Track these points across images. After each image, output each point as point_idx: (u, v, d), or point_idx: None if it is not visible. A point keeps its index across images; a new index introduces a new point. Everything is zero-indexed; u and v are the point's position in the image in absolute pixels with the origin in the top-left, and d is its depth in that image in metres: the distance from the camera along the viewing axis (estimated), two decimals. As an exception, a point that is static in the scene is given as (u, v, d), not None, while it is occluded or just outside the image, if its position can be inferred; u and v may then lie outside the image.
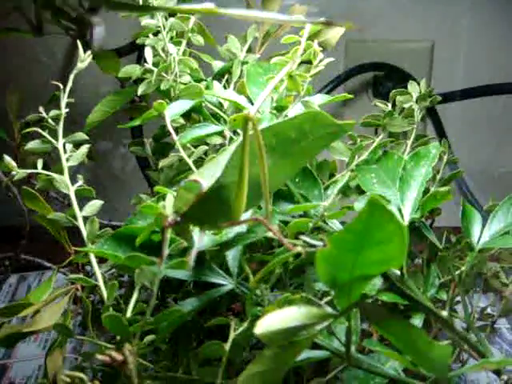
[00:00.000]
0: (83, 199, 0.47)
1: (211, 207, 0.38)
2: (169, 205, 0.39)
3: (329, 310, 0.33)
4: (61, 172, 0.46)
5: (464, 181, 0.91)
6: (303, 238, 0.36)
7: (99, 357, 0.33)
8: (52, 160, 0.49)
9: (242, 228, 0.41)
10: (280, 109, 0.47)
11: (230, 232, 0.42)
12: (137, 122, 0.50)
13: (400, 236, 0.30)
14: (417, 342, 0.33)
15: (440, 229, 0.53)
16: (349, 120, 0.84)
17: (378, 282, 0.41)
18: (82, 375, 0.33)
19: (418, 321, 0.45)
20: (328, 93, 0.82)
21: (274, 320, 0.31)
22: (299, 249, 0.35)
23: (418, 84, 0.55)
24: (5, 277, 0.68)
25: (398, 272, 0.43)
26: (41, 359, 0.58)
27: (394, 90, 0.54)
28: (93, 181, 0.92)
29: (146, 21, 0.49)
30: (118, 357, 0.33)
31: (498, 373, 0.35)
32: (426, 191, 0.48)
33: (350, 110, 0.90)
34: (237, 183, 0.36)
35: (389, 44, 0.88)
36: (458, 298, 0.49)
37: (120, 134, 0.79)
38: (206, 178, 0.37)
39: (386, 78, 0.87)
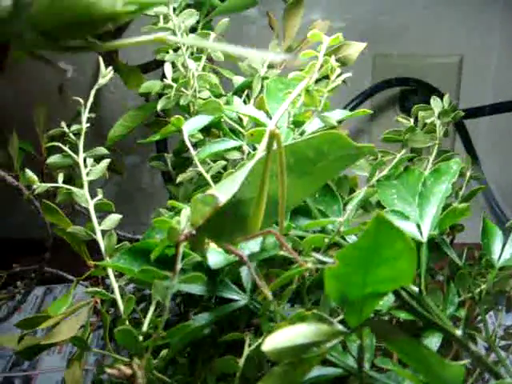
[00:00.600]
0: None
1: (227, 222, 0.38)
2: (183, 219, 0.39)
3: (339, 327, 0.33)
4: (81, 186, 0.47)
5: (494, 197, 0.89)
6: (314, 254, 0.36)
7: (108, 370, 0.33)
8: (77, 174, 0.50)
9: (256, 246, 0.41)
10: (297, 124, 0.46)
11: (244, 250, 0.42)
12: (156, 138, 0.50)
13: (409, 253, 0.29)
14: (429, 361, 0.32)
15: (466, 246, 0.52)
16: (375, 135, 0.84)
17: (389, 299, 0.40)
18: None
19: (436, 339, 0.44)
20: (354, 108, 0.82)
21: (283, 337, 0.31)
22: (309, 265, 0.34)
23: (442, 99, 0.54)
24: (30, 289, 0.69)
25: (417, 289, 0.43)
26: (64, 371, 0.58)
27: (416, 105, 0.54)
28: (120, 195, 0.93)
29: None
30: (127, 371, 0.33)
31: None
32: (448, 207, 0.47)
33: (377, 125, 0.89)
34: (255, 199, 0.36)
35: (416, 58, 0.87)
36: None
37: (147, 148, 0.79)
38: (224, 192, 0.37)
39: (414, 93, 0.86)
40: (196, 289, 0.42)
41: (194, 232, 0.37)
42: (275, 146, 0.35)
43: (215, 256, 0.41)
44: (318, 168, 0.39)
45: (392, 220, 0.28)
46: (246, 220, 0.38)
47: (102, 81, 0.48)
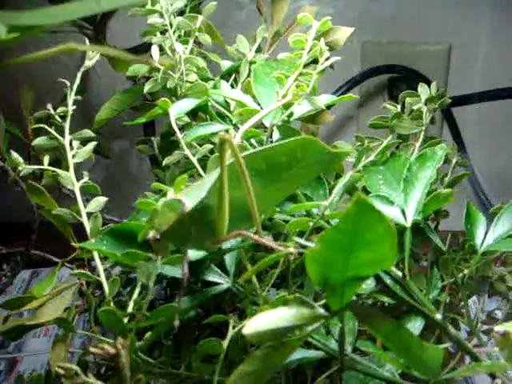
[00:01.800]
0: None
1: (194, 228, 0.37)
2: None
3: (320, 310, 0.33)
4: (67, 168, 0.46)
5: (480, 186, 0.90)
6: (296, 239, 0.36)
7: (92, 349, 0.33)
8: (63, 157, 0.50)
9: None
10: (286, 105, 0.46)
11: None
12: (143, 120, 0.50)
13: (390, 236, 0.29)
14: (409, 343, 0.33)
15: (456, 233, 0.53)
16: (363, 122, 0.84)
17: (371, 283, 0.40)
18: (74, 367, 0.33)
19: (418, 323, 0.44)
20: (342, 94, 0.82)
21: (263, 320, 0.31)
22: (291, 250, 0.34)
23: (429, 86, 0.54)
24: (16, 272, 0.69)
25: (400, 273, 0.43)
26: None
27: (403, 92, 0.54)
28: (108, 179, 0.93)
29: (152, 19, 0.49)
30: (111, 350, 0.33)
31: (492, 376, 0.35)
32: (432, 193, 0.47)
33: (365, 112, 0.89)
34: (218, 205, 0.35)
35: (405, 46, 0.87)
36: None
37: (135, 133, 0.79)
38: (191, 198, 0.36)
39: (402, 81, 0.86)
40: (180, 272, 0.42)
41: (158, 237, 0.36)
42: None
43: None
44: (291, 173, 0.37)
45: (373, 203, 0.28)
46: (214, 226, 0.37)
47: (88, 63, 0.48)
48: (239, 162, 0.33)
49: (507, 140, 0.92)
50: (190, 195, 0.36)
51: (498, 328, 0.31)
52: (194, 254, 0.41)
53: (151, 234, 0.36)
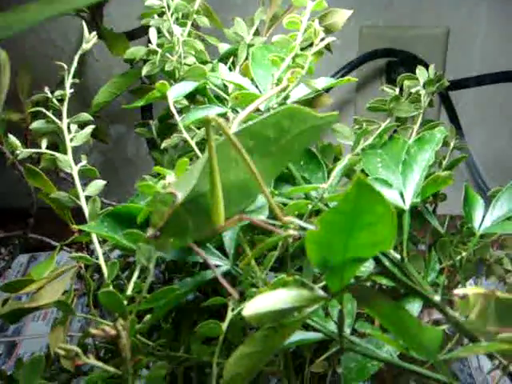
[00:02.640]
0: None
1: (190, 218, 0.37)
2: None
3: (320, 292, 0.33)
4: (65, 152, 0.46)
5: (477, 170, 0.90)
6: (295, 220, 0.36)
7: (93, 331, 0.34)
8: (61, 141, 0.50)
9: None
10: (282, 88, 0.46)
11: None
12: (141, 103, 0.49)
13: (389, 217, 0.29)
14: (407, 324, 0.33)
15: (453, 217, 0.53)
16: (361, 105, 0.83)
17: (370, 265, 0.41)
18: (75, 348, 0.33)
19: (417, 305, 0.44)
20: (339, 78, 0.82)
21: (263, 302, 0.31)
22: (291, 232, 0.34)
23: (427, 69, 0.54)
24: (14, 256, 0.69)
25: (399, 256, 0.43)
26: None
27: (401, 75, 0.54)
28: (106, 163, 0.93)
29: (150, 1, 0.48)
30: (111, 331, 0.33)
31: (490, 357, 0.35)
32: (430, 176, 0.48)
33: (363, 95, 0.89)
34: (210, 190, 0.35)
35: (403, 30, 0.86)
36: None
37: (133, 117, 0.79)
38: (182, 188, 0.36)
39: (400, 65, 0.86)
40: (177, 254, 0.42)
41: (157, 233, 0.36)
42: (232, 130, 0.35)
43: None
44: (280, 147, 0.37)
45: (372, 184, 0.28)
46: (210, 213, 0.37)
47: (85, 46, 0.48)
48: (232, 140, 0.33)
49: (505, 124, 0.92)
50: (181, 186, 0.36)
51: (458, 291, 0.31)
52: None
53: (150, 232, 0.36)
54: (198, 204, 0.36)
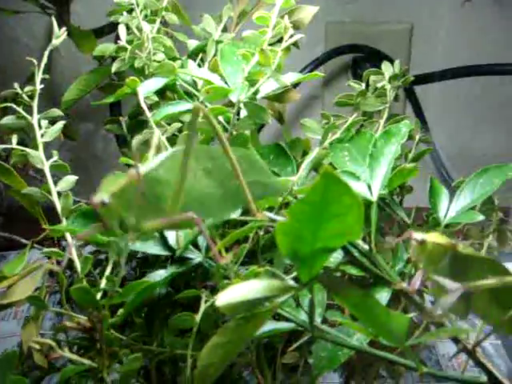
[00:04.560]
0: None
1: (143, 198, 0.35)
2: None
3: (290, 282, 0.34)
4: (36, 148, 0.46)
5: (442, 163, 0.91)
6: (266, 213, 0.37)
7: (68, 324, 0.34)
8: (29, 138, 0.50)
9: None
10: (252, 82, 0.47)
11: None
12: (110, 100, 0.50)
13: (357, 208, 0.30)
14: (376, 312, 0.34)
15: (420, 209, 0.54)
16: (328, 101, 0.84)
17: (339, 255, 0.41)
18: (50, 341, 0.34)
19: (385, 294, 0.45)
20: (306, 74, 0.82)
21: (236, 292, 0.32)
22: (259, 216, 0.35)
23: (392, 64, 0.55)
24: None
25: (367, 247, 0.44)
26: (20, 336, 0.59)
27: (367, 70, 0.55)
28: (74, 161, 0.92)
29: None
30: (86, 323, 0.34)
31: (455, 342, 0.36)
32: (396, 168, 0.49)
33: (330, 91, 0.90)
34: (176, 183, 0.35)
35: (368, 26, 0.88)
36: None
37: (101, 115, 0.78)
38: (145, 167, 0.35)
39: (365, 60, 0.87)
40: (152, 249, 0.43)
41: (106, 199, 0.34)
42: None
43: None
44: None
45: (339, 176, 0.29)
46: (163, 201, 0.36)
47: (55, 41, 0.48)
48: (218, 131, 0.34)
49: (468, 117, 0.94)
50: (145, 165, 0.35)
51: (416, 235, 0.32)
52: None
53: (98, 196, 0.33)
54: (153, 189, 0.36)
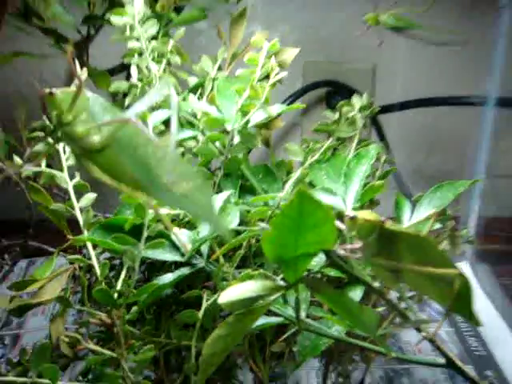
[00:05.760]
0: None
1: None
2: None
3: (280, 282, 0.34)
4: (61, 170, 0.46)
5: (402, 180, 0.92)
6: (260, 224, 0.37)
7: (91, 320, 0.34)
8: (54, 162, 0.50)
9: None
10: (244, 112, 0.47)
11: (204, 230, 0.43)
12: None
13: (330, 221, 0.30)
14: (350, 307, 0.34)
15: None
16: (306, 127, 0.84)
17: (320, 259, 0.41)
18: (78, 336, 0.33)
19: (359, 291, 0.45)
20: (289, 105, 0.83)
21: (235, 291, 0.32)
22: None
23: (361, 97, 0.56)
24: (15, 261, 0.68)
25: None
26: (47, 330, 0.58)
27: (340, 102, 0.55)
28: (89, 180, 0.92)
29: (131, 44, 0.49)
30: (107, 320, 0.34)
31: (418, 330, 0.36)
32: (367, 185, 0.49)
33: (308, 119, 0.91)
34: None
35: (339, 65, 0.89)
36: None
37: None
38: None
39: (337, 93, 0.88)
40: (161, 255, 0.43)
41: (54, 90, 0.30)
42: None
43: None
44: None
45: (312, 193, 0.29)
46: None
47: (81, 78, 0.48)
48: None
49: (422, 142, 0.95)
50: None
51: (349, 212, 0.32)
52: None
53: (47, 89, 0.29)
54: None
